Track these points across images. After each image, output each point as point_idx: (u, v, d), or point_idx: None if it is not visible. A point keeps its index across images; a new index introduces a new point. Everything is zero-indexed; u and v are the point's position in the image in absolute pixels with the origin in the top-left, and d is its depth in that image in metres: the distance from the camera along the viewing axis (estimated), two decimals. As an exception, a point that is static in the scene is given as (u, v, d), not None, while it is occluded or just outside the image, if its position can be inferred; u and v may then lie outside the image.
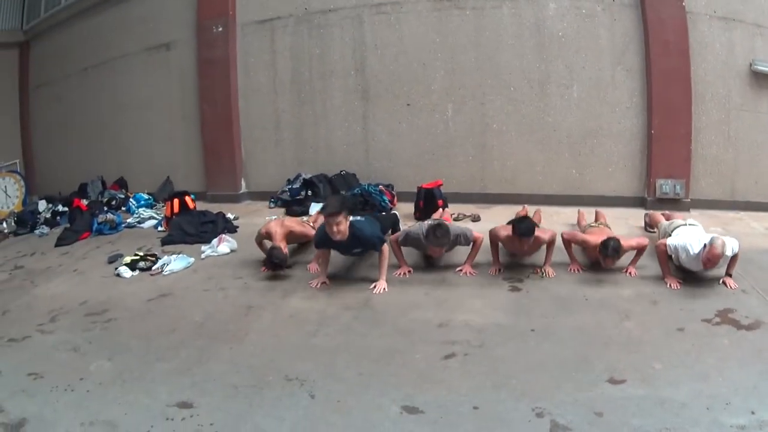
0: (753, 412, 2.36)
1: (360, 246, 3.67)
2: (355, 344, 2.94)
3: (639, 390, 2.50)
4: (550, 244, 3.94)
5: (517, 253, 4.10)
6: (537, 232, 3.81)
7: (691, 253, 3.73)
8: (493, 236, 3.96)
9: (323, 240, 3.56)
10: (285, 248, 3.98)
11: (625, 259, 4.03)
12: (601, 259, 3.82)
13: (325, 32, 6.38)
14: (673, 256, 3.87)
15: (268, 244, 4.09)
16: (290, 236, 4.18)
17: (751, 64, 6.18)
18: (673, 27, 5.86)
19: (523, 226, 3.70)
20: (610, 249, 3.70)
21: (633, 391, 2.49)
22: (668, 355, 2.86)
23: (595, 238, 3.98)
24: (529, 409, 2.33)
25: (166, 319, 3.38)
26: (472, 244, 3.95)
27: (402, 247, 4.00)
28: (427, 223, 3.93)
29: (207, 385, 2.59)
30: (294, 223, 4.36)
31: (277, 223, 4.24)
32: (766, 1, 5.70)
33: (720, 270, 3.92)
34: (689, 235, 3.95)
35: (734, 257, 3.84)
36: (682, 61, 5.87)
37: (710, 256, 3.58)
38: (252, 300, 3.60)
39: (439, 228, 3.67)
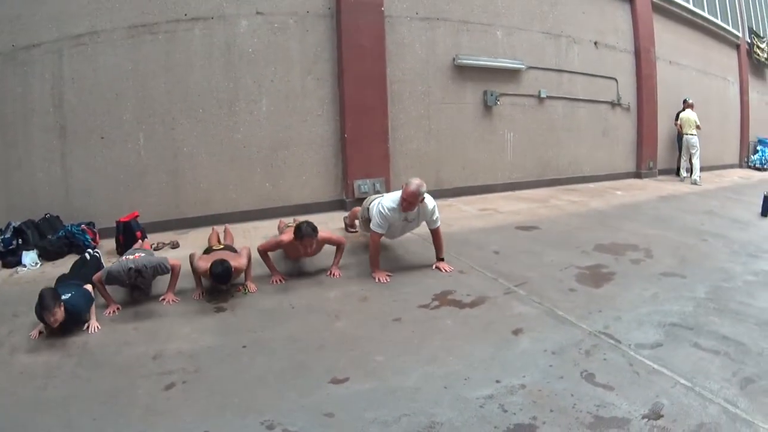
0: (498, 381, 2.42)
1: (75, 320, 3.60)
2: (82, 390, 2.87)
3: (365, 384, 2.50)
4: (248, 263, 3.91)
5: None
6: (233, 263, 3.74)
7: (392, 207, 3.73)
8: (194, 266, 3.89)
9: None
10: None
11: (328, 261, 4.08)
12: (300, 246, 3.77)
13: (28, 69, 6.07)
14: (385, 226, 3.82)
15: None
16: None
17: (454, 59, 6.47)
18: (369, 32, 6.04)
19: (219, 272, 3.62)
20: (304, 228, 3.69)
21: (359, 387, 2.49)
22: (388, 346, 2.87)
23: (288, 235, 3.96)
24: (258, 424, 2.29)
25: None
26: (171, 272, 3.87)
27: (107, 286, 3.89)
28: (126, 259, 3.84)
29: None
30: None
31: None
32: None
33: (431, 257, 3.98)
34: (386, 197, 3.96)
35: (437, 234, 3.88)
36: (378, 64, 6.06)
37: (406, 195, 3.59)
38: None
39: (140, 276, 3.69)
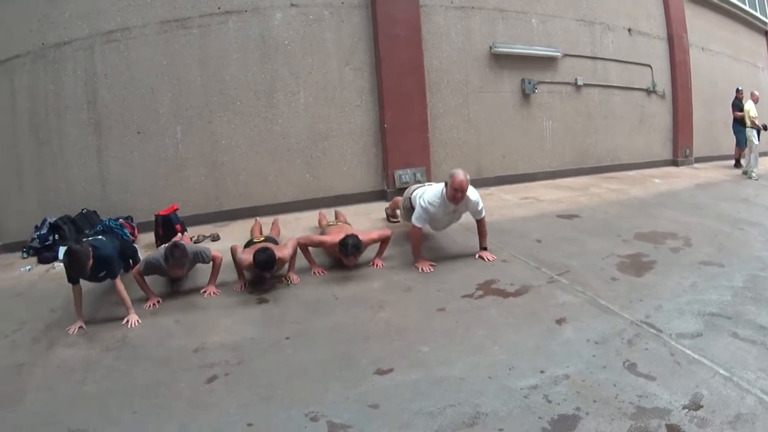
0: (542, 371, 2.39)
1: (104, 268, 3.57)
2: (122, 384, 2.85)
3: (410, 375, 2.47)
4: (293, 255, 3.86)
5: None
6: (278, 253, 3.67)
7: (436, 201, 3.65)
8: (236, 258, 3.80)
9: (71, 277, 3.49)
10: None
11: (371, 252, 3.99)
12: (343, 258, 3.72)
13: (60, 67, 6.05)
14: (426, 219, 3.75)
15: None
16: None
17: (491, 47, 6.35)
18: (405, 21, 5.95)
19: (262, 260, 3.54)
20: (350, 247, 3.61)
21: (404, 378, 2.45)
22: (433, 336, 2.83)
23: (332, 237, 3.89)
24: (302, 415, 2.26)
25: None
26: (212, 263, 3.81)
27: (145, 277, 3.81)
28: (164, 247, 3.74)
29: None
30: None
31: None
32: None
33: (474, 245, 3.91)
34: (427, 189, 3.87)
35: (481, 224, 3.80)
36: (415, 53, 5.96)
37: (455, 185, 3.49)
38: (21, 357, 3.40)
39: (177, 249, 3.55)
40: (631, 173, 7.21)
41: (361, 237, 3.74)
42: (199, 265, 4.08)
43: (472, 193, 3.69)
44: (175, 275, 3.78)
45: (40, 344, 3.51)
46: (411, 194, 4.15)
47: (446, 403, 2.21)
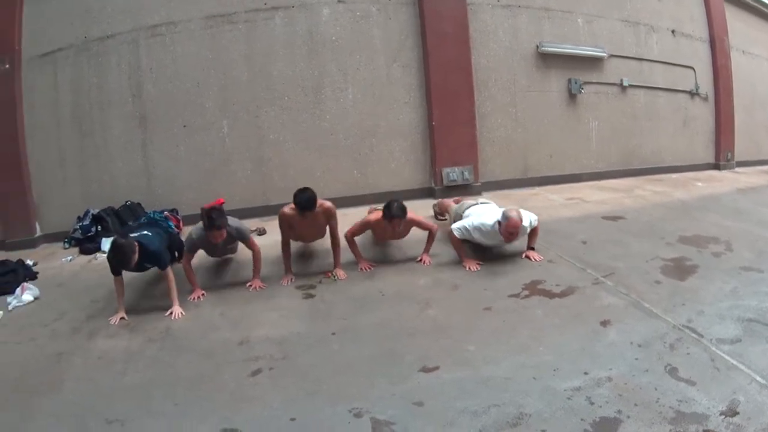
0: (586, 373, 2.38)
1: (152, 262, 3.60)
2: (164, 376, 2.84)
3: (456, 373, 2.47)
4: (338, 246, 3.88)
5: (306, 236, 4.04)
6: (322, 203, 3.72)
7: (485, 229, 3.63)
8: (280, 216, 3.83)
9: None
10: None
11: (417, 248, 3.98)
12: (388, 226, 3.70)
13: (103, 60, 6.04)
14: (467, 236, 3.74)
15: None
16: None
17: (538, 47, 6.27)
18: (452, 19, 5.89)
19: (303, 197, 3.60)
20: (395, 208, 3.60)
21: (450, 376, 2.46)
22: (480, 335, 2.83)
23: (375, 214, 3.89)
24: (347, 411, 2.26)
25: (-16, 382, 3.14)
26: (253, 257, 3.82)
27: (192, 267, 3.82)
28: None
29: (32, 443, 2.34)
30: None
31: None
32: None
33: (521, 245, 3.89)
34: (481, 212, 3.84)
35: (534, 230, 3.78)
36: (463, 50, 5.89)
37: (510, 228, 3.49)
38: (61, 346, 3.42)
39: (213, 210, 3.60)
40: (674, 176, 7.10)
41: (409, 215, 3.72)
42: (243, 260, 4.04)
43: (525, 219, 3.62)
44: (214, 239, 3.65)
45: (80, 334, 3.51)
46: (463, 211, 4.08)
47: (491, 403, 2.21)
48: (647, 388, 2.26)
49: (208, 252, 4.06)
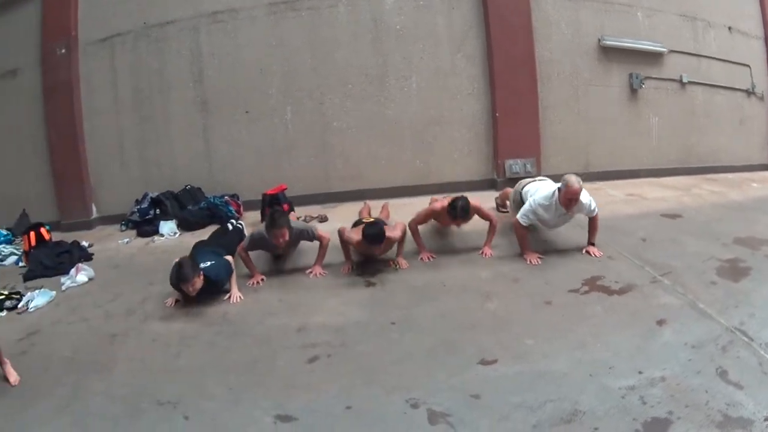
0: (641, 372, 2.39)
1: (214, 288, 3.54)
2: (219, 360, 2.86)
3: (514, 367, 2.48)
4: (402, 238, 3.83)
5: (371, 255, 3.87)
6: (388, 232, 3.63)
7: (546, 202, 3.61)
8: (344, 237, 3.77)
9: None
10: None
11: (477, 239, 3.95)
12: (450, 220, 3.72)
13: (164, 45, 6.07)
14: (533, 219, 3.72)
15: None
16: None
17: (599, 40, 6.19)
18: (515, 10, 5.82)
19: (372, 233, 3.51)
20: (459, 209, 3.60)
21: (507, 369, 2.47)
22: (539, 329, 2.83)
23: (440, 203, 3.87)
24: (403, 401, 2.27)
25: (38, 358, 3.15)
26: (319, 244, 3.79)
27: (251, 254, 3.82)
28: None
29: (87, 420, 2.44)
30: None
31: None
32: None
33: (582, 239, 3.86)
34: (538, 186, 3.83)
35: (594, 223, 3.76)
36: (526, 42, 5.84)
37: (569, 195, 3.47)
38: (115, 328, 3.45)
39: (277, 213, 3.61)
40: (729, 176, 6.98)
41: (471, 202, 3.70)
42: (305, 245, 4.01)
43: (584, 195, 3.63)
44: (278, 243, 3.63)
45: (134, 316, 3.54)
46: (522, 188, 4.08)
47: (546, 398, 2.22)
48: (698, 390, 2.25)
49: (270, 251, 4.01)
